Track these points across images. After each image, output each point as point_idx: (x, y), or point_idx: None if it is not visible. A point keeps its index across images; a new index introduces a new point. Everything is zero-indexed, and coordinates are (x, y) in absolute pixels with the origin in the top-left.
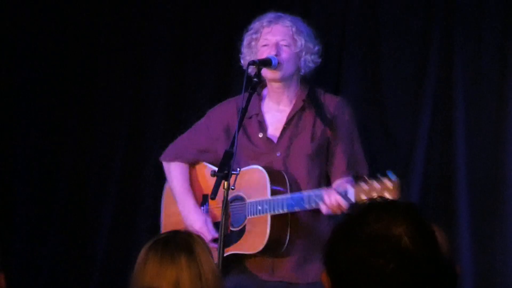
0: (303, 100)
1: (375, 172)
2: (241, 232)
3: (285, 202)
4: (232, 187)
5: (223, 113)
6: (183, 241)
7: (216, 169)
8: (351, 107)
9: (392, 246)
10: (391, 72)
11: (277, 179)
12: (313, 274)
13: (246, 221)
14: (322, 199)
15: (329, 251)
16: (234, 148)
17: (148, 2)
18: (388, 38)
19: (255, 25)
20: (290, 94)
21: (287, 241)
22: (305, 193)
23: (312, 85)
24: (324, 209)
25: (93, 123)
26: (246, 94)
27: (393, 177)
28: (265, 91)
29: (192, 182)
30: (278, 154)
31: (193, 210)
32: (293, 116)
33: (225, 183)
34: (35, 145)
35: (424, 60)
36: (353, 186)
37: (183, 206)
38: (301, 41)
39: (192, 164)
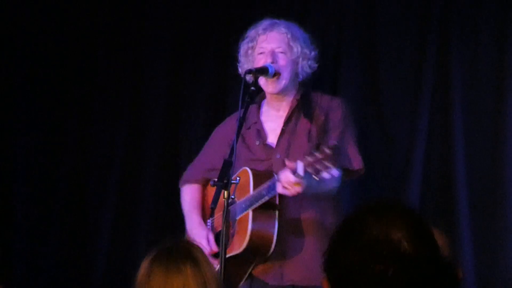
0: (297, 101)
1: (374, 173)
2: (233, 234)
3: (261, 192)
4: (232, 196)
5: (226, 130)
6: (185, 250)
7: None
8: (349, 108)
9: (392, 251)
10: (389, 73)
11: (262, 176)
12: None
13: (236, 222)
14: (279, 179)
15: (328, 257)
16: (233, 157)
17: (147, 2)
18: (386, 39)
19: (251, 33)
20: (289, 100)
21: (274, 237)
22: (276, 178)
23: (308, 87)
24: (279, 187)
25: (93, 123)
26: (244, 104)
27: (332, 143)
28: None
29: (206, 199)
30: (278, 156)
31: (197, 225)
32: (290, 120)
33: (225, 192)
34: (35, 145)
35: (422, 61)
36: (301, 161)
37: (188, 223)
38: (297, 48)
39: (204, 184)
